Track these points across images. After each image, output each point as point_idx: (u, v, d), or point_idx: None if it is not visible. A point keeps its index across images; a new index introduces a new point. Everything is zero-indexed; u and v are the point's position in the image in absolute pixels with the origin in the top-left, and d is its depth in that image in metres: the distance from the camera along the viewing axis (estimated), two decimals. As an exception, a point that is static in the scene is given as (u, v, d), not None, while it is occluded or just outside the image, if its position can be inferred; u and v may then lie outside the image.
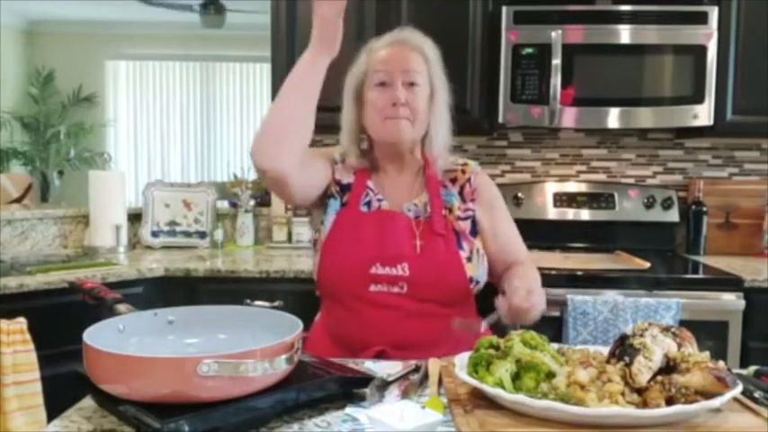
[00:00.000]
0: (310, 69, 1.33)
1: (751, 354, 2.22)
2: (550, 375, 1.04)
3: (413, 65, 1.46)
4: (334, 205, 1.51)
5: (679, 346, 1.07)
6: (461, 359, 1.12)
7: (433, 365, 1.23)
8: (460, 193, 1.55)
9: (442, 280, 1.44)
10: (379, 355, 1.40)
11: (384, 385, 1.14)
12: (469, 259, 1.47)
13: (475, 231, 1.53)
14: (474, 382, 1.03)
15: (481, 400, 1.05)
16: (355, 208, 1.49)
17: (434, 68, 1.50)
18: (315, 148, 1.50)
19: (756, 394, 1.09)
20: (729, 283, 2.28)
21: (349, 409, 1.06)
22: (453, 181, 1.56)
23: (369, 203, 1.50)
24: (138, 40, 7.46)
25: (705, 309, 2.24)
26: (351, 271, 1.44)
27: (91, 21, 7.13)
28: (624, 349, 1.04)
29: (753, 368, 1.23)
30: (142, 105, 7.78)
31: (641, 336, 1.05)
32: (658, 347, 1.03)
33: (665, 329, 1.09)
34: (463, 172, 1.57)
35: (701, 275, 2.46)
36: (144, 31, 7.34)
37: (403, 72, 1.45)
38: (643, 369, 1.00)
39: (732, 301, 2.24)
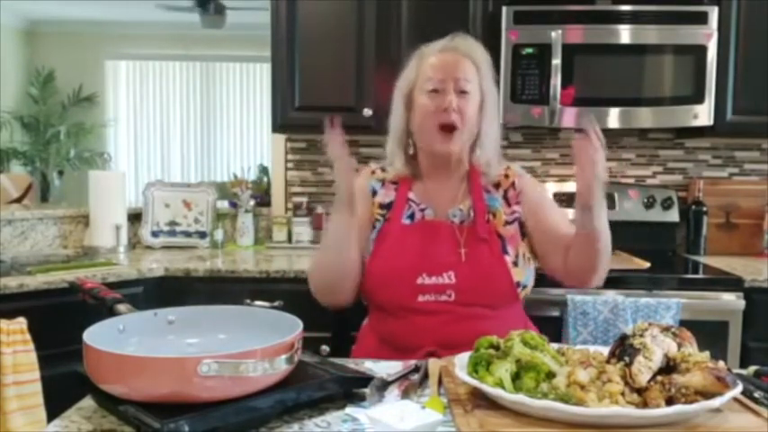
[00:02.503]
0: (342, 229, 1.40)
1: (751, 354, 2.22)
2: (550, 375, 1.04)
3: (464, 72, 1.47)
4: (378, 226, 1.53)
5: (679, 346, 1.07)
6: (461, 359, 1.12)
7: (433, 365, 1.23)
8: (505, 197, 1.55)
9: (489, 286, 1.44)
10: (431, 356, 1.39)
11: (384, 385, 1.14)
12: (515, 263, 1.47)
13: (523, 234, 1.53)
14: (474, 382, 1.03)
15: (481, 400, 1.05)
16: (398, 222, 1.51)
17: (485, 75, 1.50)
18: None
19: (756, 394, 1.09)
20: (729, 283, 2.27)
21: (349, 409, 1.06)
22: (497, 186, 1.56)
23: (412, 215, 1.51)
24: (138, 40, 7.46)
25: (705, 309, 2.24)
26: (398, 284, 1.46)
27: (91, 21, 7.13)
28: (624, 349, 1.04)
29: (753, 368, 1.23)
30: (142, 105, 7.78)
31: (641, 336, 1.05)
32: (658, 347, 1.03)
33: (665, 329, 1.09)
34: (506, 176, 1.57)
35: (700, 275, 2.46)
36: (144, 31, 7.34)
37: (454, 80, 1.45)
38: (643, 369, 1.00)
39: (732, 301, 2.24)
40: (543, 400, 0.97)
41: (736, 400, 1.06)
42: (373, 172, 1.62)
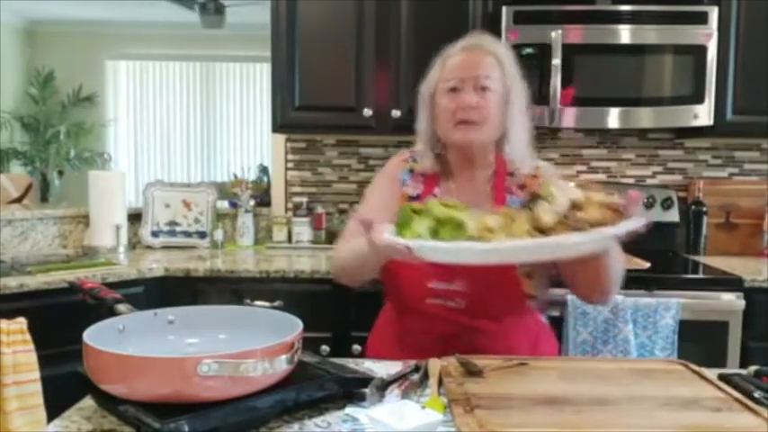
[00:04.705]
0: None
1: (751, 354, 2.22)
2: (466, 231, 1.10)
3: (485, 69, 1.45)
4: None
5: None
6: (389, 227, 1.17)
7: (433, 365, 1.23)
8: None
9: (497, 297, 1.42)
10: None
11: (384, 385, 1.14)
12: (530, 276, 1.43)
13: None
14: (399, 240, 1.09)
15: (481, 399, 1.05)
16: None
17: (509, 71, 1.49)
18: (383, 175, 1.59)
19: (756, 394, 1.09)
20: (729, 283, 2.28)
21: (349, 409, 1.06)
22: (522, 187, 1.50)
23: None
24: (138, 40, 7.46)
25: (705, 309, 2.24)
26: (410, 282, 1.45)
27: (91, 21, 7.13)
28: (532, 200, 1.12)
29: (753, 368, 1.23)
30: (142, 105, 7.78)
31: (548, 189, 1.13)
32: (564, 194, 1.09)
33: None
34: (534, 176, 1.51)
35: (701, 275, 2.46)
36: (144, 31, 7.34)
37: (474, 77, 1.44)
38: (547, 211, 1.07)
39: (732, 301, 2.24)
40: (454, 242, 1.04)
41: (735, 400, 1.06)
42: (405, 160, 1.59)
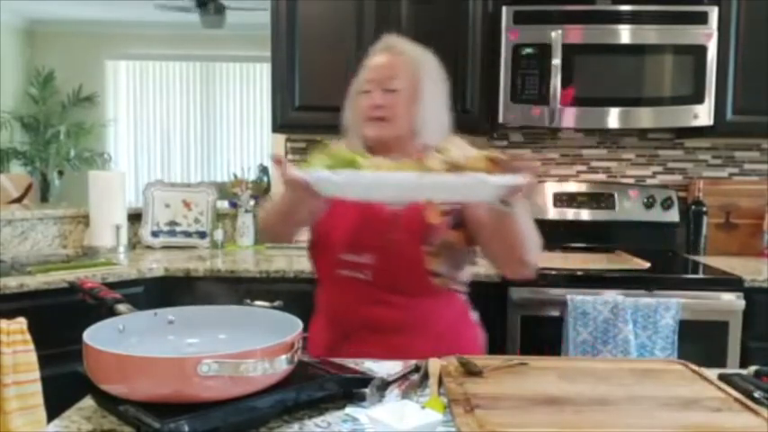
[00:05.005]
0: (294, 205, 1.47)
1: (751, 354, 2.22)
2: (358, 168, 1.20)
3: (392, 71, 1.57)
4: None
5: None
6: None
7: (434, 365, 1.23)
8: None
9: (403, 272, 1.50)
10: (358, 336, 1.49)
11: (384, 385, 1.14)
12: (437, 254, 1.50)
13: (458, 225, 1.53)
14: (298, 173, 1.24)
15: (481, 399, 1.05)
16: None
17: (419, 70, 1.58)
18: None
19: (756, 394, 1.09)
20: (729, 283, 2.28)
21: (349, 409, 1.06)
22: None
23: None
24: (138, 40, 7.47)
25: (705, 309, 2.24)
26: (324, 254, 1.57)
27: (91, 21, 7.13)
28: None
29: (753, 368, 1.23)
30: (142, 105, 7.78)
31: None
32: (460, 151, 1.20)
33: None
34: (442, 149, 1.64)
35: (701, 275, 2.46)
36: (144, 31, 7.34)
37: (381, 79, 1.56)
38: (435, 158, 1.17)
39: (732, 301, 2.24)
40: (344, 172, 1.16)
41: (735, 400, 1.06)
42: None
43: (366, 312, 1.50)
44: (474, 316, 1.63)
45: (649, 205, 2.82)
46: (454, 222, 1.53)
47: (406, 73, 1.57)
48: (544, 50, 2.51)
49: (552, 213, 2.85)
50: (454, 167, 1.14)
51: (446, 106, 1.61)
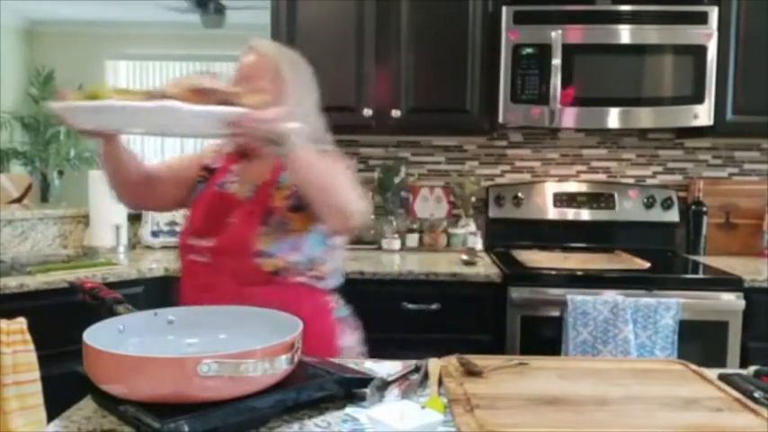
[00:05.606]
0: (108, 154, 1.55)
1: (751, 354, 2.22)
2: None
3: (252, 72, 1.61)
4: (200, 187, 1.67)
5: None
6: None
7: (434, 365, 1.23)
8: None
9: (233, 252, 1.52)
10: None
11: (384, 385, 1.14)
12: (269, 234, 1.52)
13: (299, 207, 1.54)
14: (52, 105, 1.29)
15: (481, 399, 1.05)
16: (210, 187, 1.64)
17: (281, 70, 1.62)
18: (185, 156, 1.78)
19: (756, 394, 1.09)
20: (729, 283, 2.28)
21: (349, 409, 1.06)
22: None
23: (223, 184, 1.64)
24: (138, 40, 7.46)
25: (705, 309, 2.24)
26: (181, 239, 1.63)
27: (91, 21, 7.13)
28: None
29: (753, 368, 1.23)
30: (142, 105, 7.77)
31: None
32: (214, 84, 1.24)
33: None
34: None
35: (701, 275, 2.46)
36: (144, 31, 7.34)
37: (241, 80, 1.59)
38: (175, 86, 1.22)
39: (732, 301, 2.24)
40: (77, 102, 1.25)
41: (735, 400, 1.06)
42: (218, 145, 1.76)
43: (214, 295, 1.47)
44: (339, 313, 1.60)
45: (649, 205, 2.83)
46: (296, 204, 1.55)
47: (266, 74, 1.61)
48: (544, 50, 2.51)
49: (552, 213, 2.85)
50: (158, 95, 1.19)
51: (315, 107, 1.67)
